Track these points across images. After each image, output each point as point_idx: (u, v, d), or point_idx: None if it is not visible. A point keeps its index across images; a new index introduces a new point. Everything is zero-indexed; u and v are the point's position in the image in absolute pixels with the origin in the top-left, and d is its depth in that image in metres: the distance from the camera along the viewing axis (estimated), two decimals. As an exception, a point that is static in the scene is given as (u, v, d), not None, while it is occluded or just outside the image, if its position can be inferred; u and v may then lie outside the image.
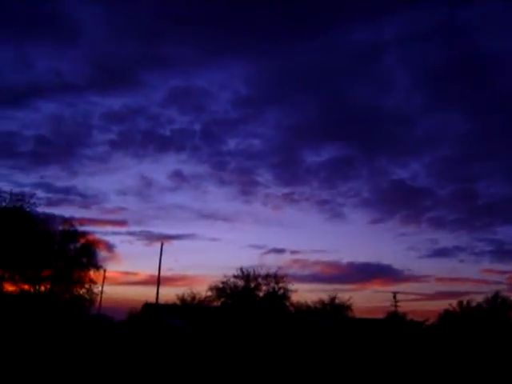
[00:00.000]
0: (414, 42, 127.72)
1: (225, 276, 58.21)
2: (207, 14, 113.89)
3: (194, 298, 69.39)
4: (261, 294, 58.27)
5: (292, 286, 58.30)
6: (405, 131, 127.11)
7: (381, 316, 72.72)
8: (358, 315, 70.42)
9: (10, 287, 47.26)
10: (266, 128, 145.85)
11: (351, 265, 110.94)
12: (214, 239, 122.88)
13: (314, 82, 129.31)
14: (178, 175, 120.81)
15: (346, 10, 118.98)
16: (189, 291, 71.32)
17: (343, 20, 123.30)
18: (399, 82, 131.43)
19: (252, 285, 58.07)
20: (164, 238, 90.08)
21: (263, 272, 58.07)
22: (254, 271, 58.18)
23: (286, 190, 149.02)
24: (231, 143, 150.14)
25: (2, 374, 18.69)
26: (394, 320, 67.34)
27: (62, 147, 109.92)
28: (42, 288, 48.05)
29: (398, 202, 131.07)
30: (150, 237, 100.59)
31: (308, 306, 67.10)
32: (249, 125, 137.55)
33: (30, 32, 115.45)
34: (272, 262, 65.57)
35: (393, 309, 69.33)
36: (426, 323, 68.69)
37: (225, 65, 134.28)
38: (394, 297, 68.83)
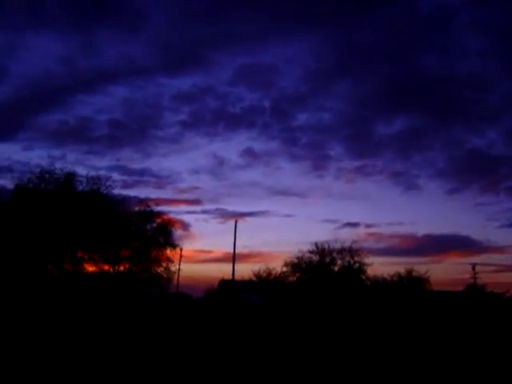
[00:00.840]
0: (486, 4, 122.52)
1: (299, 251, 58.59)
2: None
3: (269, 273, 69.85)
4: (336, 269, 58.34)
5: (367, 260, 58.13)
6: (480, 97, 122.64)
7: (460, 288, 71.31)
8: (436, 288, 69.15)
9: (90, 268, 49.01)
10: (337, 101, 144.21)
11: (428, 237, 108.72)
12: (287, 215, 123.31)
13: (384, 51, 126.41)
14: (249, 152, 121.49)
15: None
16: (264, 267, 71.94)
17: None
18: (472, 46, 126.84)
19: (327, 259, 58.19)
20: (238, 216, 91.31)
21: (338, 246, 58.06)
22: (328, 246, 58.30)
23: (358, 163, 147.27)
24: (301, 118, 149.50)
25: (89, 349, 19.39)
26: (473, 292, 65.83)
27: (134, 130, 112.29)
28: (121, 268, 49.52)
29: (474, 171, 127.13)
30: (224, 214, 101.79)
31: (384, 280, 66.39)
32: (318, 98, 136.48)
33: (99, 19, 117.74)
34: (346, 237, 65.48)
35: (472, 281, 67.85)
36: (507, 295, 66.81)
37: (292, 39, 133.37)
38: (473, 268, 67.38)
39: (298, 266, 58.38)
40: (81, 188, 48.15)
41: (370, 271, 59.29)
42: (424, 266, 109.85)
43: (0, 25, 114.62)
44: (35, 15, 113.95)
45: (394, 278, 68.68)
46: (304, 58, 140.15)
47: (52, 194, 46.55)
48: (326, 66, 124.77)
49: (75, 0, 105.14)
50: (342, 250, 58.07)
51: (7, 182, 48.18)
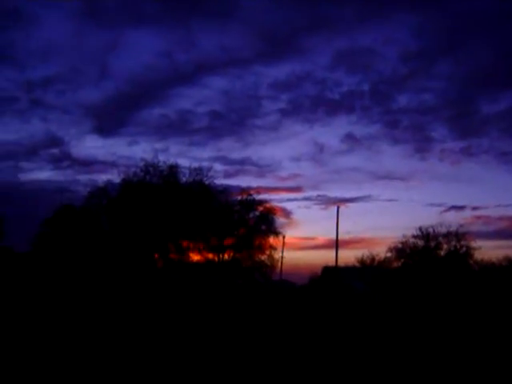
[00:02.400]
0: None
1: (404, 236, 57.34)
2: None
3: (373, 259, 68.90)
4: (442, 253, 56.68)
5: (475, 244, 56.07)
6: None
7: None
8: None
9: (195, 257, 50.08)
10: (438, 81, 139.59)
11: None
12: (390, 200, 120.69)
13: (487, 27, 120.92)
14: (349, 137, 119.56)
15: None
16: (367, 253, 71.02)
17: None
18: None
19: (432, 244, 56.62)
20: (340, 202, 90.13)
21: (443, 230, 56.40)
22: (433, 230, 56.68)
23: (462, 144, 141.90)
24: (402, 100, 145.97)
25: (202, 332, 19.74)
26: None
27: (234, 120, 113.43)
28: (226, 256, 50.21)
29: None
30: (326, 201, 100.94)
31: (493, 264, 63.95)
32: (419, 79, 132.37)
33: (195, 11, 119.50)
34: (452, 220, 63.38)
35: None
36: None
37: (389, 20, 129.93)
38: None
39: (403, 251, 57.17)
40: (184, 179, 49.40)
41: (478, 255, 57.36)
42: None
43: (100, 24, 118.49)
44: (133, 12, 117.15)
45: (503, 263, 66.10)
46: (403, 38, 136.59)
47: (157, 186, 47.92)
48: (426, 46, 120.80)
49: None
50: (447, 234, 56.30)
51: (114, 177, 49.81)
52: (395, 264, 59.13)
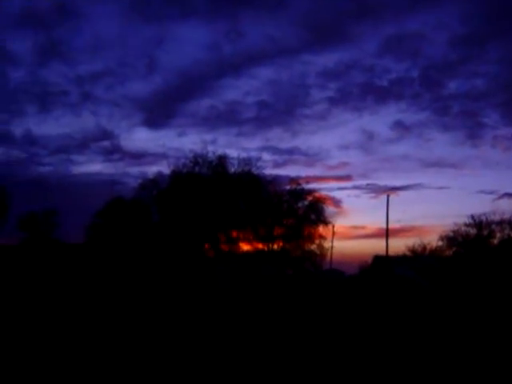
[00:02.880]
0: None
1: (455, 225, 56.52)
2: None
3: (424, 248, 67.98)
4: (495, 242, 55.63)
5: (530, 231, 54.83)
6: None
7: None
8: None
9: (245, 247, 50.34)
10: (490, 65, 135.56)
11: None
12: (441, 187, 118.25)
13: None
14: (399, 125, 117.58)
15: None
16: (419, 241, 70.14)
17: None
18: None
19: (485, 232, 55.60)
20: (390, 190, 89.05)
21: (496, 218, 55.31)
22: (486, 218, 55.64)
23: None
24: (452, 86, 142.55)
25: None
26: None
27: (282, 110, 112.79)
28: (275, 246, 50.31)
29: None
30: (376, 189, 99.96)
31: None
32: (470, 64, 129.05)
33: (241, 2, 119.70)
34: (506, 208, 61.73)
35: None
36: None
37: (438, 4, 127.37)
38: None
39: (454, 239, 56.39)
40: (233, 170, 49.68)
41: (533, 242, 56.08)
42: None
43: (147, 18, 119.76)
44: (180, 5, 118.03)
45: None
46: (452, 22, 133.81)
47: (206, 177, 48.26)
48: (476, 30, 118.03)
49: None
50: (501, 222, 55.24)
51: (164, 169, 50.37)
52: (447, 253, 58.42)
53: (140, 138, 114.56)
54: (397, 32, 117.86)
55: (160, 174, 50.34)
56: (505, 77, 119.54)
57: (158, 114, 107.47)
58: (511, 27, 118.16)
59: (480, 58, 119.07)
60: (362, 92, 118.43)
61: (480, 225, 55.53)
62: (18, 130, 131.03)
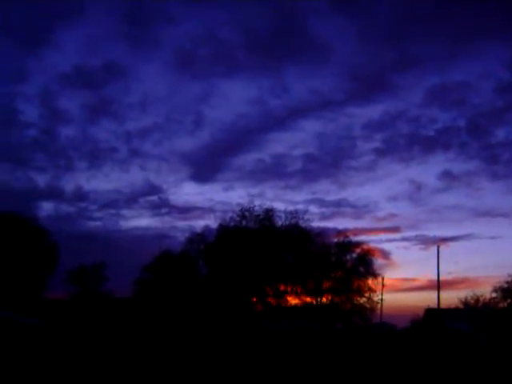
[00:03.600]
0: None
1: (509, 275, 55.11)
2: (453, 1, 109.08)
3: (477, 300, 66.26)
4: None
5: None
6: None
7: None
8: None
9: (293, 300, 49.86)
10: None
11: None
12: (493, 237, 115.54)
13: None
14: (447, 175, 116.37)
15: None
16: (471, 293, 68.49)
17: None
18: None
19: (540, 282, 54.08)
20: (440, 241, 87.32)
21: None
22: (541, 267, 54.19)
23: None
24: (500, 133, 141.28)
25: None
26: None
27: (328, 162, 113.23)
28: (324, 299, 49.77)
29: None
30: (425, 241, 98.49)
31: None
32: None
33: (286, 57, 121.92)
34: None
35: None
36: None
37: (481, 52, 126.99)
38: None
39: (509, 290, 54.95)
40: (280, 223, 49.83)
41: None
42: None
43: (194, 74, 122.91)
44: (225, 61, 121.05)
45: None
46: (496, 70, 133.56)
47: (253, 230, 48.43)
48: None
49: (262, 42, 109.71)
50: (555, 272, 53.77)
51: (211, 222, 50.77)
52: (501, 304, 56.74)
53: (187, 192, 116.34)
54: (441, 81, 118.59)
55: (207, 228, 50.96)
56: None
57: (204, 168, 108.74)
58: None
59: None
60: (408, 142, 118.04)
61: (534, 275, 54.10)
62: (68, 185, 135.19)
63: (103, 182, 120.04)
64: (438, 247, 54.51)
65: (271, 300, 49.23)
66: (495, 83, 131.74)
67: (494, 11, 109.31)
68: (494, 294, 57.02)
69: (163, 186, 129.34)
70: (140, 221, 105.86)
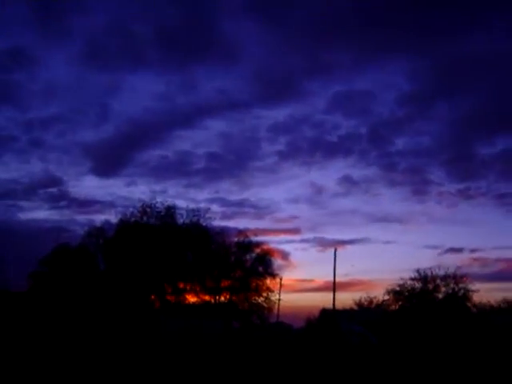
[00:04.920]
0: None
1: (401, 279, 56.97)
2: (362, 15, 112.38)
3: (371, 302, 68.61)
4: (440, 296, 56.34)
5: (473, 286, 55.74)
6: None
7: None
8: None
9: (192, 298, 49.85)
10: (435, 124, 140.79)
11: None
12: (387, 242, 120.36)
13: (482, 70, 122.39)
14: (347, 180, 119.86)
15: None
16: (365, 296, 70.70)
17: (509, 4, 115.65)
18: None
19: (430, 287, 56.25)
20: (337, 244, 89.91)
21: (441, 273, 56.12)
22: (431, 272, 56.34)
23: (460, 186, 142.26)
24: (399, 143, 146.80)
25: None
26: None
27: (232, 162, 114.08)
28: (222, 298, 49.99)
29: None
30: (324, 243, 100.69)
31: (491, 306, 63.63)
32: (416, 122, 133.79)
33: (196, 55, 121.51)
34: (450, 262, 62.89)
35: None
36: None
37: (386, 64, 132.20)
38: None
39: (400, 293, 56.81)
40: (181, 221, 49.58)
41: (476, 298, 57.00)
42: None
43: (101, 66, 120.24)
44: (134, 56, 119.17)
45: (502, 305, 65.80)
46: (400, 81, 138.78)
47: (154, 226, 47.94)
48: (422, 89, 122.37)
49: (173, 39, 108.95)
50: (445, 277, 55.92)
51: (111, 217, 49.88)
52: (393, 307, 58.70)
53: (89, 185, 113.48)
54: (347, 89, 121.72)
55: (107, 223, 49.96)
56: (450, 135, 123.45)
57: (107, 162, 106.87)
58: (456, 87, 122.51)
59: (426, 116, 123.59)
60: (311, 147, 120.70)
61: (425, 279, 56.17)
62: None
63: (1, 171, 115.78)
64: (335, 250, 56.00)
65: (170, 297, 48.89)
66: (397, 94, 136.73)
67: (399, 26, 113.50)
68: (386, 297, 58.86)
69: (64, 178, 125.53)
70: (39, 213, 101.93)
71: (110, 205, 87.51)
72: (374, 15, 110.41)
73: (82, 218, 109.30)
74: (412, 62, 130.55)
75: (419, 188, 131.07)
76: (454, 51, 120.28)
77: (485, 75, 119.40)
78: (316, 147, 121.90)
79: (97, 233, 49.44)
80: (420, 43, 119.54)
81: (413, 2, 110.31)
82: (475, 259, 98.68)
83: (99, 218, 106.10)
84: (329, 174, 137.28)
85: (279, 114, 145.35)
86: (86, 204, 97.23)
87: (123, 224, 48.46)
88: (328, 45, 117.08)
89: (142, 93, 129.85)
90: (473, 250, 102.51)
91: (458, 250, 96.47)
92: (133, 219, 48.61)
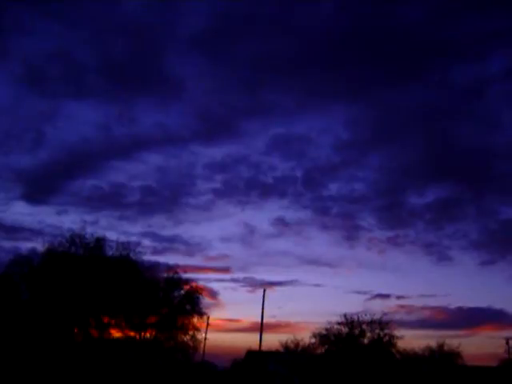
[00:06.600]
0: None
1: (329, 322, 57.42)
2: (305, 61, 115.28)
3: (297, 344, 68.46)
4: (365, 341, 56.88)
5: (398, 333, 56.55)
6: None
7: (493, 363, 68.93)
8: (468, 362, 66.93)
9: (116, 333, 48.74)
10: (368, 171, 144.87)
11: (460, 309, 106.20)
12: (317, 285, 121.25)
13: (417, 122, 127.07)
14: (280, 221, 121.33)
15: (447, 48, 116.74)
16: (292, 338, 70.60)
17: (444, 58, 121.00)
18: (506, 118, 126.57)
19: (356, 331, 56.79)
20: (267, 285, 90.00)
21: (368, 318, 56.79)
22: (358, 317, 57.02)
23: (390, 234, 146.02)
24: (333, 188, 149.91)
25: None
26: (508, 367, 63.56)
27: (167, 197, 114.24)
28: (147, 335, 49.15)
29: (509, 243, 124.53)
30: (253, 283, 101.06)
31: (415, 353, 64.59)
32: (350, 169, 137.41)
33: (137, 88, 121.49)
34: (377, 308, 63.93)
35: (506, 356, 65.64)
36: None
37: (325, 110, 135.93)
38: (507, 343, 65.41)
39: (327, 337, 57.08)
40: (111, 253, 48.72)
41: (401, 344, 57.75)
42: (456, 340, 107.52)
43: (41, 92, 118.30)
44: (75, 84, 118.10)
45: (426, 352, 66.91)
46: (337, 128, 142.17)
47: (82, 258, 46.95)
48: (358, 137, 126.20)
49: (114, 70, 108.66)
50: (371, 322, 56.63)
51: (38, 245, 48.64)
52: (319, 350, 58.90)
53: (17, 211, 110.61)
54: (284, 132, 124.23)
55: (34, 251, 48.52)
56: (382, 183, 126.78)
57: (39, 189, 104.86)
58: (391, 136, 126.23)
59: (361, 163, 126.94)
60: (247, 186, 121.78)
61: (352, 324, 56.71)
62: None
63: None
64: (264, 291, 56.28)
65: (93, 331, 47.67)
66: (333, 140, 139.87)
67: (340, 73, 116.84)
68: (313, 340, 59.04)
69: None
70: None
71: (38, 233, 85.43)
72: (316, 61, 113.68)
73: (8, 244, 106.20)
74: (350, 110, 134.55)
75: (350, 233, 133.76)
76: (390, 102, 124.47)
77: (419, 126, 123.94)
78: (251, 187, 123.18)
79: (22, 261, 47.88)
80: (359, 92, 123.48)
81: (357, 53, 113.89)
82: (401, 306, 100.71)
83: (26, 246, 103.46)
84: (262, 215, 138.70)
85: (217, 151, 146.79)
86: (12, 230, 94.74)
87: (50, 253, 47.11)
88: (269, 86, 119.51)
89: (80, 121, 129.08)
90: (399, 297, 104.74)
91: (386, 296, 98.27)
92: (60, 249, 47.37)
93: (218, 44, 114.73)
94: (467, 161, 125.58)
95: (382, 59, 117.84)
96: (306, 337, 70.27)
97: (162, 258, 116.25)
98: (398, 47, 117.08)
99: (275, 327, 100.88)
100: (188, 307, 50.00)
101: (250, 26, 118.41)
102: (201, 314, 50.39)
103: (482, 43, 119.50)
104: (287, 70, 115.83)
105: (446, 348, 65.48)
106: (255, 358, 56.04)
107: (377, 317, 56.48)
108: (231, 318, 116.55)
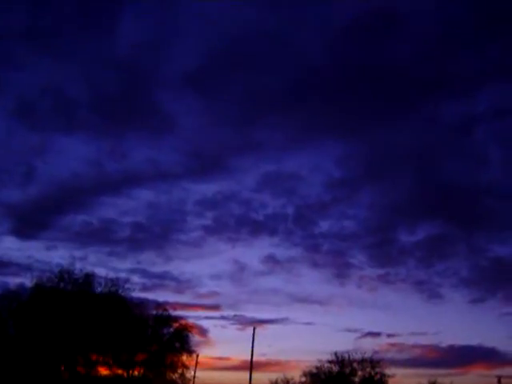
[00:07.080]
0: (507, 115, 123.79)
1: (319, 361, 57.04)
2: (296, 99, 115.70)
3: (287, 383, 67.80)
4: (356, 380, 56.49)
5: (389, 371, 56.20)
6: (504, 207, 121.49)
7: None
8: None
9: (104, 371, 48.11)
10: (359, 209, 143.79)
11: (451, 347, 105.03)
12: (307, 323, 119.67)
13: (407, 158, 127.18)
14: (271, 259, 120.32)
15: (436, 85, 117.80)
16: (282, 376, 69.91)
17: (433, 96, 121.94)
18: (494, 156, 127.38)
19: (347, 370, 56.42)
20: (257, 323, 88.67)
21: (358, 357, 56.43)
22: (348, 356, 56.67)
23: (380, 271, 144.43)
24: (324, 225, 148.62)
25: None
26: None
27: (157, 233, 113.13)
28: (136, 372, 48.57)
29: (499, 280, 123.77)
30: (243, 321, 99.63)
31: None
32: (341, 206, 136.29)
33: (128, 124, 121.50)
34: (368, 346, 63.20)
35: (498, 394, 65.15)
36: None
37: (315, 147, 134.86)
38: (499, 381, 64.96)
39: (317, 376, 56.62)
40: (99, 289, 48.49)
41: (392, 383, 57.34)
42: (448, 378, 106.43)
43: (32, 126, 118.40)
44: (66, 118, 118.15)
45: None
46: (328, 165, 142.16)
47: (70, 294, 46.60)
48: (349, 174, 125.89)
49: (106, 105, 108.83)
50: (362, 361, 56.29)
51: (27, 281, 48.36)
52: (310, 389, 58.33)
53: (6, 246, 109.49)
54: (275, 170, 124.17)
55: (22, 286, 48.20)
56: (373, 220, 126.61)
57: (28, 223, 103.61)
58: (382, 175, 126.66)
59: (351, 200, 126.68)
60: (237, 223, 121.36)
61: (342, 362, 56.35)
62: None
63: None
64: (254, 329, 55.95)
65: (80, 369, 47.09)
66: (324, 178, 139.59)
67: (332, 111, 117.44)
68: (303, 379, 58.54)
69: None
70: None
71: (26, 268, 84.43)
72: (307, 99, 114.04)
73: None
74: (341, 147, 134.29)
75: (341, 271, 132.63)
76: (381, 139, 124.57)
77: (409, 163, 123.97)
78: (242, 224, 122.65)
79: (10, 296, 47.59)
80: (350, 129, 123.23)
81: (347, 91, 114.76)
82: (392, 344, 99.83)
83: (14, 281, 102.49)
84: (253, 252, 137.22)
85: (207, 188, 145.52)
86: (1, 265, 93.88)
87: (38, 288, 46.83)
88: (260, 123, 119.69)
89: (70, 156, 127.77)
90: (390, 335, 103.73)
91: (376, 335, 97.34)
92: (49, 284, 47.09)
93: (209, 80, 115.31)
94: (456, 198, 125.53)
95: (372, 97, 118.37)
96: (296, 375, 69.40)
97: (151, 295, 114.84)
98: (388, 85, 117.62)
99: (265, 365, 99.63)
100: (177, 345, 49.60)
101: (242, 65, 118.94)
102: (190, 351, 49.99)
103: (470, 81, 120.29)
104: (278, 108, 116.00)
105: (437, 386, 64.96)
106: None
107: (368, 355, 56.21)
108: (221, 356, 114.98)
